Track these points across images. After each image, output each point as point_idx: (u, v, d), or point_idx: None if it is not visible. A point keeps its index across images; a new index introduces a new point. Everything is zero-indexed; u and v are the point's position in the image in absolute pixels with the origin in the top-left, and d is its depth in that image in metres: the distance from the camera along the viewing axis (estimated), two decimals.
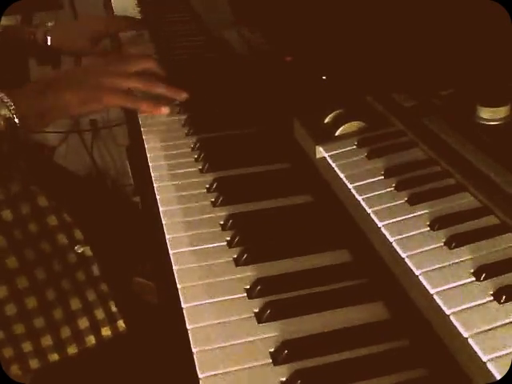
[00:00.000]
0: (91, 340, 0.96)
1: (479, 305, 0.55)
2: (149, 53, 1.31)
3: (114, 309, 0.98)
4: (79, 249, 0.99)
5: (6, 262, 0.93)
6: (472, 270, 0.58)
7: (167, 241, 0.75)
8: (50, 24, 1.35)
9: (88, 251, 1.00)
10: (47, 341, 0.94)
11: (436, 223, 0.64)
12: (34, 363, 0.94)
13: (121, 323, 0.98)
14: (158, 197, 0.83)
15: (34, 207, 0.97)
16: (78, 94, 0.99)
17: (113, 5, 1.66)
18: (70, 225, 0.99)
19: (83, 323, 0.96)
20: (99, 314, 0.97)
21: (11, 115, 0.93)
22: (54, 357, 0.94)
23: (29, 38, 1.34)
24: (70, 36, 1.36)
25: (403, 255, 0.61)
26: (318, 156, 0.81)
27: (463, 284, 0.57)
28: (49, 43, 1.33)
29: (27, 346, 0.93)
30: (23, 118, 0.94)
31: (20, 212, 0.96)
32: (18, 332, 0.93)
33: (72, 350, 0.95)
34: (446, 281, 0.57)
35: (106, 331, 0.97)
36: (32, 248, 0.95)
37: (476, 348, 0.51)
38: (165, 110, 1.04)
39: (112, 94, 1.01)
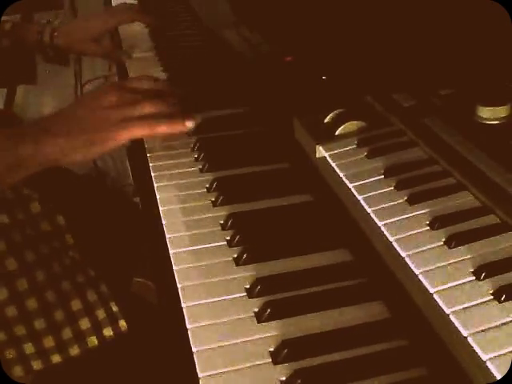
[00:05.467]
0: (93, 340, 0.96)
1: (479, 304, 0.55)
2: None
3: (114, 309, 0.98)
4: (72, 253, 0.99)
5: (6, 264, 0.93)
6: (472, 270, 0.58)
7: (167, 240, 0.75)
8: (56, 22, 1.36)
9: (77, 255, 0.99)
10: (49, 342, 0.94)
11: (436, 222, 0.64)
12: (36, 364, 0.94)
13: (122, 323, 0.98)
14: (158, 196, 0.83)
15: (28, 213, 0.97)
16: (76, 139, 0.81)
17: (113, 5, 1.66)
18: (62, 229, 0.99)
19: (84, 324, 0.96)
20: (100, 314, 0.97)
21: None
22: (57, 358, 0.94)
23: (36, 36, 1.34)
24: (74, 37, 1.36)
25: (403, 254, 0.61)
26: (318, 155, 0.81)
27: (463, 283, 0.57)
28: (55, 42, 1.34)
29: (29, 348, 0.93)
30: None
31: (15, 217, 0.96)
32: (19, 333, 0.93)
33: (74, 350, 0.95)
34: (446, 280, 0.57)
35: (107, 331, 0.97)
36: (31, 250, 0.95)
37: (476, 347, 0.51)
38: (188, 123, 0.86)
39: (119, 131, 0.82)
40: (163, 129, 0.84)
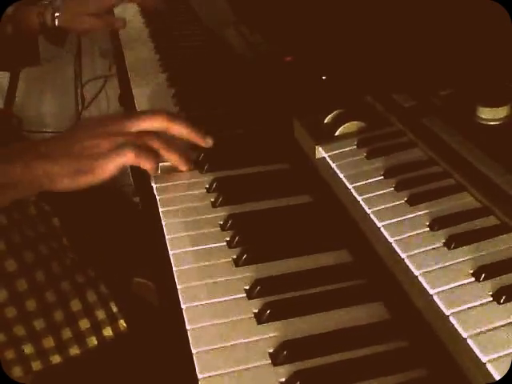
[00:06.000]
0: (93, 341, 0.96)
1: (479, 305, 0.55)
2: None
3: (114, 309, 0.98)
4: (70, 254, 0.99)
5: (5, 265, 0.93)
6: (471, 271, 0.58)
7: (167, 241, 0.75)
8: (57, 3, 1.36)
9: (75, 257, 1.00)
10: (49, 342, 0.94)
11: (436, 223, 0.63)
12: (36, 365, 0.94)
13: (122, 323, 0.98)
14: (157, 197, 0.83)
15: (25, 215, 0.97)
16: (63, 165, 0.77)
17: None
18: (58, 232, 0.99)
19: (84, 324, 0.96)
20: (100, 314, 0.97)
21: None
22: (56, 358, 0.95)
23: (38, 18, 1.34)
24: (73, 11, 1.36)
25: (403, 255, 0.61)
26: (317, 156, 0.81)
27: (463, 284, 0.57)
28: (57, 24, 1.34)
29: (29, 348, 0.93)
30: None
31: (13, 218, 0.96)
32: (18, 334, 0.93)
33: (74, 351, 0.95)
34: (446, 281, 0.57)
35: (107, 332, 0.97)
36: (30, 250, 0.95)
37: (475, 348, 0.51)
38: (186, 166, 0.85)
39: (108, 160, 0.78)
40: (147, 164, 0.81)
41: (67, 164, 0.77)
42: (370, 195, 0.70)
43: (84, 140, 0.79)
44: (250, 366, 0.58)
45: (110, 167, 0.78)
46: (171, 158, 0.84)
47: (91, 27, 1.39)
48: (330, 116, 0.84)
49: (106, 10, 1.39)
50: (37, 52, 1.46)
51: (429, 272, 0.59)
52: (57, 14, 1.34)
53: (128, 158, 0.78)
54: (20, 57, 1.45)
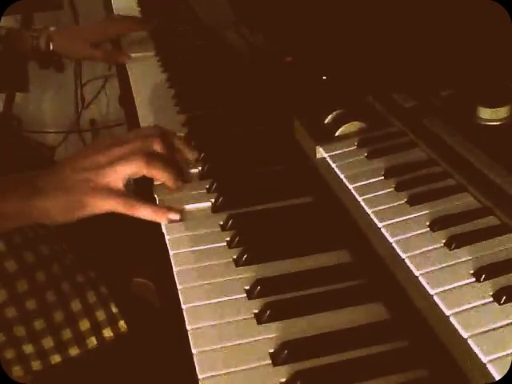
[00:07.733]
0: (93, 341, 0.96)
1: (479, 305, 0.55)
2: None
3: (114, 310, 0.98)
4: (70, 256, 0.99)
5: (6, 266, 0.93)
6: (472, 271, 0.58)
7: (167, 241, 0.75)
8: (52, 28, 1.35)
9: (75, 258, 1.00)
10: (48, 343, 0.94)
11: (436, 224, 0.63)
12: (36, 365, 0.94)
13: (122, 324, 0.98)
14: (157, 198, 0.83)
15: None
16: (56, 200, 0.76)
17: (113, 5, 1.66)
18: (56, 235, 0.99)
19: (84, 325, 0.96)
20: (100, 315, 0.97)
21: None
22: (56, 358, 0.95)
23: (31, 42, 1.33)
24: (72, 41, 1.35)
25: (403, 256, 0.61)
26: (317, 156, 0.81)
27: (463, 285, 0.57)
28: (51, 48, 1.33)
29: (29, 348, 0.93)
30: None
31: None
32: (19, 334, 0.93)
33: (74, 351, 0.95)
34: (446, 281, 0.57)
35: (107, 332, 0.97)
36: (31, 251, 0.96)
37: (476, 349, 0.51)
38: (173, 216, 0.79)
39: (98, 195, 0.77)
40: (141, 213, 0.79)
41: (59, 199, 0.76)
42: (370, 195, 0.70)
43: (76, 174, 0.78)
44: (250, 366, 0.58)
45: (97, 205, 0.77)
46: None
47: (89, 57, 1.38)
48: (330, 116, 0.84)
49: (109, 39, 1.38)
50: (26, 78, 1.45)
51: (429, 272, 0.59)
52: (52, 39, 1.32)
53: (137, 167, 0.78)
54: (8, 80, 1.44)
